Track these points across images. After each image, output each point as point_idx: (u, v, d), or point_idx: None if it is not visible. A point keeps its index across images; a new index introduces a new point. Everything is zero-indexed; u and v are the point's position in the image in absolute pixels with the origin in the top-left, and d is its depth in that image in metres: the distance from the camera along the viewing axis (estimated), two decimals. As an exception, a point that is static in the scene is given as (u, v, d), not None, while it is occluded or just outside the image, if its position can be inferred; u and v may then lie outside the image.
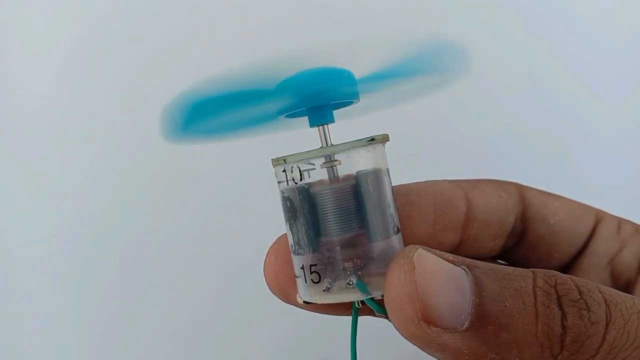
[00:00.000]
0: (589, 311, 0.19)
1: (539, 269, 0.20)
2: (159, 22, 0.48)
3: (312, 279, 0.21)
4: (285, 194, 0.21)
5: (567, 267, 0.30)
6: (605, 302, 0.19)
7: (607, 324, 0.18)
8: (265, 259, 0.24)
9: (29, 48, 0.48)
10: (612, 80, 0.52)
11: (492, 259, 0.31)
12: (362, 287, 0.20)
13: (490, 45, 0.49)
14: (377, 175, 0.21)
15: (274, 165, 0.21)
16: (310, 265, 0.21)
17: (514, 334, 0.18)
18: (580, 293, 0.19)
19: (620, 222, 0.30)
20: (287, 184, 0.21)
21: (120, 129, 0.48)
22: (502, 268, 0.20)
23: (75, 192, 0.48)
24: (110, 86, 0.48)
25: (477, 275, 0.19)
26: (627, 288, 0.29)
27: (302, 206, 0.21)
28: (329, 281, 0.21)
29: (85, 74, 0.48)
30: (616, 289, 0.28)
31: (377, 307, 0.21)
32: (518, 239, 0.30)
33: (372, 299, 0.21)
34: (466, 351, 0.18)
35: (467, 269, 0.19)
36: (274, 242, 0.24)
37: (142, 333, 0.47)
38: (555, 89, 0.51)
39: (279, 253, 0.23)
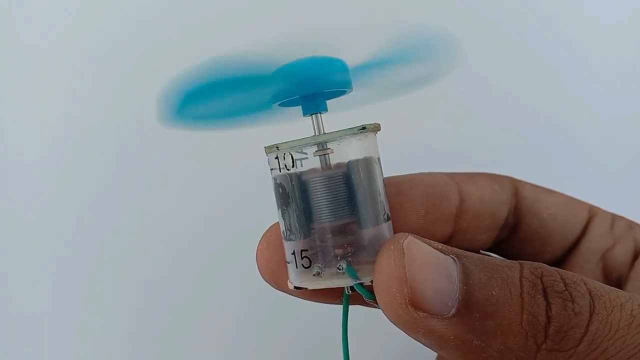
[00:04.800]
0: (573, 302, 0.19)
1: (527, 261, 0.20)
2: (155, 15, 0.49)
3: (302, 264, 0.21)
4: (278, 181, 0.22)
5: (560, 261, 0.30)
6: (590, 294, 0.19)
7: (590, 315, 0.19)
8: (258, 247, 0.24)
9: (28, 47, 0.49)
10: (611, 77, 0.52)
11: (485, 251, 0.31)
12: (352, 272, 0.21)
13: (487, 40, 0.49)
14: (368, 163, 0.21)
15: (267, 153, 0.22)
16: (302, 251, 0.21)
17: (500, 322, 0.19)
18: (566, 285, 0.19)
19: (614, 218, 0.30)
20: (280, 171, 0.21)
21: (119, 128, 0.48)
22: (490, 259, 0.20)
23: (74, 190, 0.48)
24: (107, 84, 0.48)
25: (466, 264, 0.19)
26: (619, 284, 0.29)
27: (294, 192, 0.21)
28: (319, 266, 0.21)
29: (84, 73, 0.48)
30: (608, 284, 0.29)
31: (367, 293, 0.21)
32: (511, 232, 0.30)
33: (361, 284, 0.21)
34: (452, 337, 0.19)
35: (455, 258, 0.20)
36: (267, 230, 0.24)
37: (140, 330, 0.48)
38: (552, 85, 0.51)
39: (270, 240, 0.24)
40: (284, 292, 0.24)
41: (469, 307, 0.19)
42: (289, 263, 0.22)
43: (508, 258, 0.31)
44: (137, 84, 0.47)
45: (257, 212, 0.25)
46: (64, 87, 0.48)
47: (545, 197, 0.30)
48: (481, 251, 0.31)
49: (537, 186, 0.30)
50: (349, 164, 0.21)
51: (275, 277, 0.24)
